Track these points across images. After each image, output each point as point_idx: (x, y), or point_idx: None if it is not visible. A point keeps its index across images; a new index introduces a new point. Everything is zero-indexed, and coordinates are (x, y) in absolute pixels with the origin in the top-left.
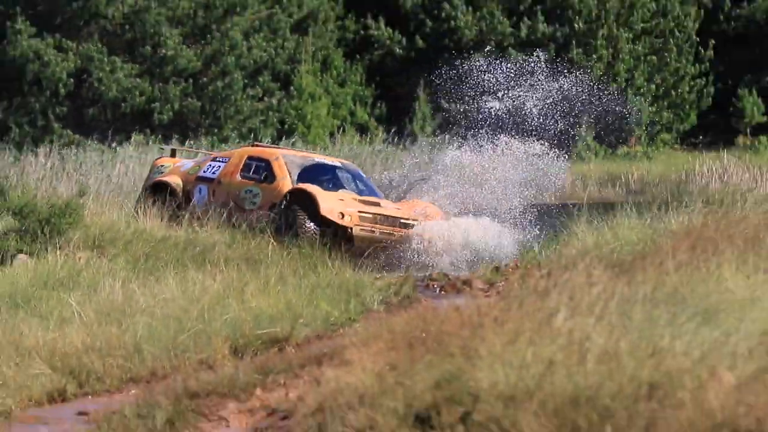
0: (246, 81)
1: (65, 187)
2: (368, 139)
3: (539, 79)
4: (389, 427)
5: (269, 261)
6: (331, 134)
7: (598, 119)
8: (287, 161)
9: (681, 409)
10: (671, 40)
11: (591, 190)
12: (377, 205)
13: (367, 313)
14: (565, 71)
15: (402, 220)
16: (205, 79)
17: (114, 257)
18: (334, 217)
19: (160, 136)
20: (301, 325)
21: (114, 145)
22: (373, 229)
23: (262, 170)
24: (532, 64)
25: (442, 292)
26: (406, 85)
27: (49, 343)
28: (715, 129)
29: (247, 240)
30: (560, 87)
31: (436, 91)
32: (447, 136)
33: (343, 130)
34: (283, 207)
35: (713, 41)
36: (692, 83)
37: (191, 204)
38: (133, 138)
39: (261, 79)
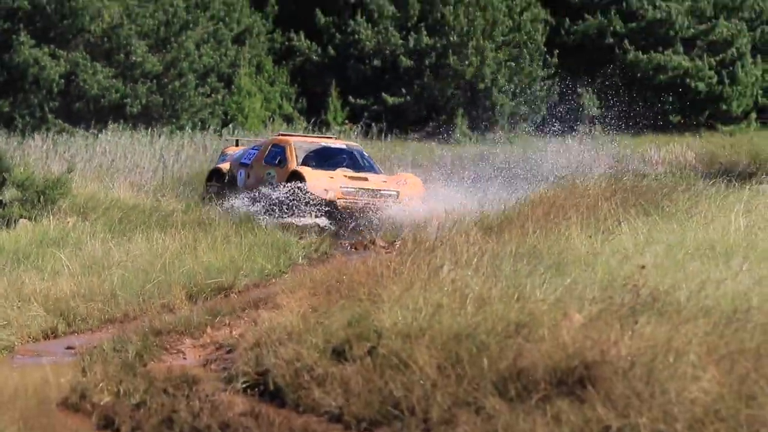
0: (197, 81)
1: (57, 166)
2: (293, 127)
3: (424, 81)
4: (312, 359)
5: (217, 225)
6: (264, 123)
7: (470, 112)
8: (296, 147)
9: (541, 344)
10: (525, 50)
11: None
12: (365, 180)
13: (293, 266)
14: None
15: (382, 191)
16: (165, 79)
17: (95, 221)
18: (319, 193)
19: (131, 124)
20: (242, 276)
21: (95, 132)
22: (355, 200)
23: (278, 155)
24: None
25: (353, 249)
26: (322, 85)
27: (44, 291)
28: (561, 119)
29: (198, 208)
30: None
31: (345, 89)
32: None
33: (273, 120)
34: (284, 185)
35: (557, 50)
36: (542, 83)
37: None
38: (110, 126)
39: (209, 80)
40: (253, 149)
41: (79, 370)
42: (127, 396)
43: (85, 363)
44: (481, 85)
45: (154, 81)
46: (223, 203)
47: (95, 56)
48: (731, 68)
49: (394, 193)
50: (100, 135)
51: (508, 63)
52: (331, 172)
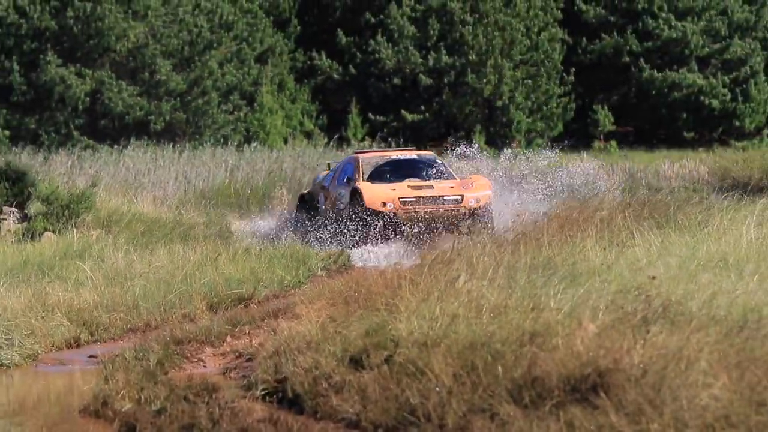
0: (220, 99)
1: (82, 181)
2: (314, 143)
3: (443, 98)
4: (330, 367)
5: (237, 237)
6: (285, 140)
7: (488, 128)
8: (364, 163)
9: (555, 352)
10: (542, 68)
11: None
12: (429, 187)
13: (312, 277)
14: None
15: (445, 197)
16: (189, 97)
17: (118, 234)
18: (377, 207)
19: (154, 141)
20: (262, 286)
21: (120, 148)
22: (416, 209)
23: (348, 174)
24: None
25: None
26: (342, 102)
27: (67, 301)
28: (577, 135)
29: (220, 220)
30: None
31: (365, 107)
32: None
33: (294, 137)
34: (348, 204)
35: (573, 69)
36: (558, 101)
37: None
38: (134, 143)
39: (232, 97)
40: (332, 171)
41: (101, 378)
42: (148, 403)
43: (107, 371)
44: (499, 103)
45: (178, 99)
46: (306, 234)
47: (120, 75)
48: (744, 86)
49: (459, 197)
50: (124, 151)
51: (526, 81)
52: (394, 185)
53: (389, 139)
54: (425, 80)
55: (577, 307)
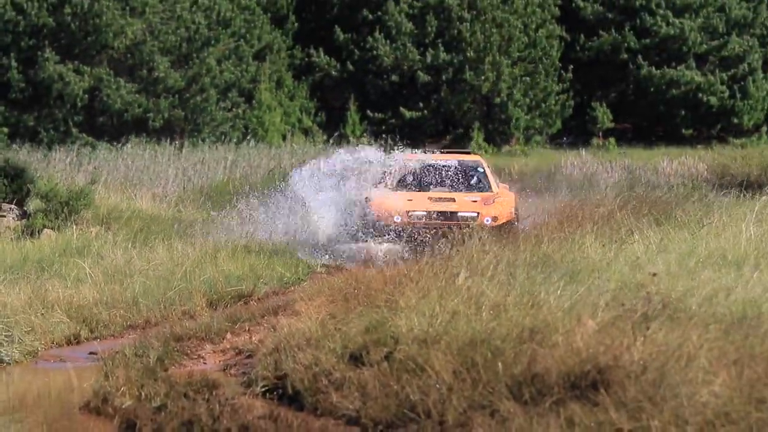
0: (218, 96)
1: (81, 178)
2: (312, 140)
3: (441, 95)
4: (330, 363)
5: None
6: (284, 137)
7: (486, 125)
8: (399, 167)
9: (555, 349)
10: (540, 65)
11: None
12: (450, 201)
13: (312, 274)
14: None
15: (459, 214)
16: (187, 94)
17: (117, 231)
18: (384, 218)
19: (153, 138)
20: (262, 283)
21: (119, 145)
22: (424, 225)
23: (383, 178)
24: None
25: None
26: (340, 99)
27: (67, 298)
28: (575, 132)
29: (219, 218)
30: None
31: (363, 104)
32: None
33: (293, 134)
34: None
35: (572, 66)
36: (557, 98)
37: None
38: (132, 140)
39: (230, 95)
40: None
41: (101, 374)
42: (148, 400)
43: (107, 368)
44: (497, 100)
45: (177, 96)
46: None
47: (118, 72)
48: (743, 83)
49: (474, 214)
50: (123, 148)
51: (524, 78)
52: (415, 194)
53: (386, 137)
54: (423, 77)
55: (576, 303)
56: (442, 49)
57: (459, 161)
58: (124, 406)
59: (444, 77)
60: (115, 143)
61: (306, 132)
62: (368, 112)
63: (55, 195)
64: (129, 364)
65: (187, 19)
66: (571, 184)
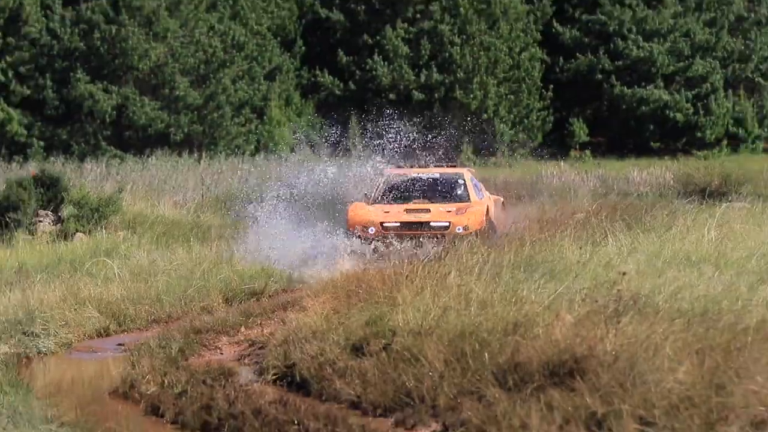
0: (233, 113)
1: (109, 186)
2: (318, 153)
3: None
4: (334, 354)
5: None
6: (292, 150)
7: (475, 139)
8: (385, 179)
9: (536, 340)
10: (523, 85)
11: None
12: (425, 212)
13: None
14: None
15: (432, 224)
16: (205, 111)
17: (142, 234)
18: (358, 230)
19: (175, 150)
20: (272, 282)
21: (143, 157)
22: (398, 234)
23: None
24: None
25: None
26: (343, 115)
27: (97, 295)
28: (555, 145)
29: (234, 223)
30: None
31: (363, 119)
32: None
33: (301, 147)
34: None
35: (552, 85)
36: (538, 114)
37: None
38: (156, 152)
39: (243, 111)
40: None
41: (128, 363)
42: (170, 386)
43: (133, 358)
44: (485, 116)
45: (195, 112)
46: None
47: (143, 91)
48: (705, 101)
49: (446, 224)
50: (147, 160)
51: (509, 96)
52: (393, 206)
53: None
54: (418, 95)
55: (555, 300)
56: (434, 70)
57: (441, 174)
58: (148, 392)
59: (436, 95)
60: (140, 155)
61: (312, 145)
62: (368, 127)
63: (87, 202)
64: (153, 355)
65: (205, 43)
66: (551, 192)
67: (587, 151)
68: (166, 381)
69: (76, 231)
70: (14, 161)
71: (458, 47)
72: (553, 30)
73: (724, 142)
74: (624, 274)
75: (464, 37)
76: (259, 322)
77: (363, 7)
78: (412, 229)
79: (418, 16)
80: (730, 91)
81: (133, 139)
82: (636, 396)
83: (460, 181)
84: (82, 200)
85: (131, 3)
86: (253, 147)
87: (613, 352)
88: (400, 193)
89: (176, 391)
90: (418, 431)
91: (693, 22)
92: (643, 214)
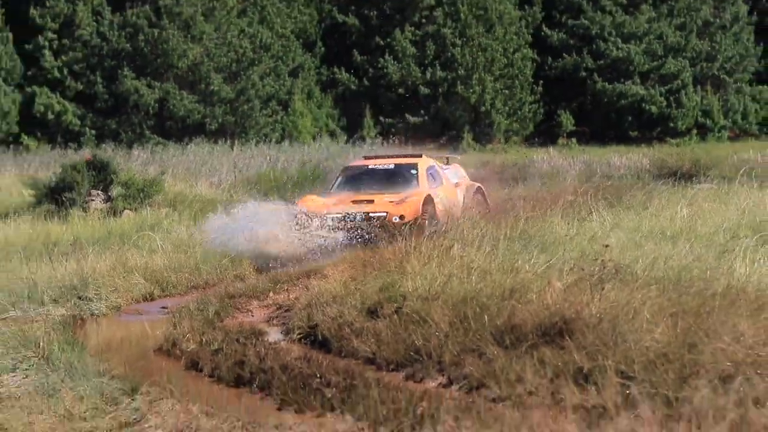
0: (261, 105)
1: (153, 170)
2: (336, 140)
3: (438, 104)
4: (351, 316)
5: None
6: (313, 137)
7: (474, 128)
8: (342, 171)
9: (530, 305)
10: (516, 81)
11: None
12: (370, 202)
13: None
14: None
15: (371, 214)
16: (237, 104)
17: (182, 211)
18: (304, 222)
19: (211, 139)
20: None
21: (183, 144)
22: (338, 226)
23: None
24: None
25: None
26: (358, 108)
27: (143, 264)
28: (545, 134)
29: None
30: (451, 110)
31: (376, 111)
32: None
33: (320, 135)
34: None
35: (541, 81)
36: (530, 107)
37: None
38: (194, 140)
39: (270, 104)
40: None
41: (170, 324)
42: (208, 344)
43: (175, 319)
44: (483, 108)
45: (228, 105)
46: None
47: (182, 86)
48: (677, 95)
49: (384, 214)
50: (186, 147)
51: (503, 91)
52: (343, 197)
53: (394, 138)
54: (424, 90)
55: (547, 269)
56: (438, 68)
57: (396, 164)
58: (188, 350)
59: (440, 90)
60: (180, 143)
61: (331, 134)
62: (380, 118)
63: (133, 183)
64: (192, 317)
65: (236, 44)
66: (541, 175)
67: (573, 139)
68: (203, 340)
69: (124, 208)
70: (69, 148)
71: (459, 48)
72: (543, 33)
73: (694, 131)
74: (607, 246)
75: (464, 39)
76: (285, 288)
77: (375, 12)
78: (354, 220)
79: (424, 20)
80: (698, 87)
81: (173, 129)
82: (618, 353)
83: (413, 171)
84: (129, 181)
85: (172, 9)
86: (278, 135)
87: (598, 315)
88: (355, 184)
89: (213, 349)
90: (426, 384)
91: (665, 26)
92: (623, 194)
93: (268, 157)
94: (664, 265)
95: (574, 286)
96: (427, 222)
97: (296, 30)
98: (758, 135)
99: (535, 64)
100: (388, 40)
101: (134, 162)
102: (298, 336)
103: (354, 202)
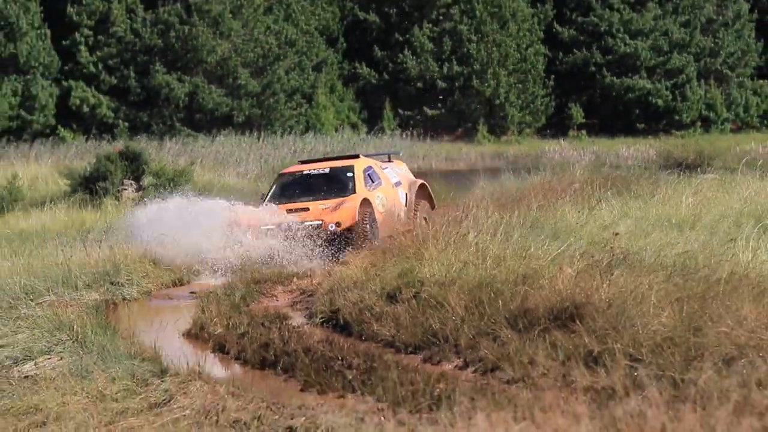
0: (286, 99)
1: (183, 160)
2: (357, 132)
3: (455, 98)
4: (371, 301)
5: None
6: (336, 129)
7: (489, 120)
8: (278, 177)
9: (542, 290)
10: (529, 75)
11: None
12: (305, 210)
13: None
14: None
15: (305, 223)
16: (263, 97)
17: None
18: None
19: (238, 131)
20: None
21: (211, 136)
22: (274, 236)
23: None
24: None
25: None
26: (378, 101)
27: None
28: (556, 126)
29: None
30: (467, 103)
31: (396, 104)
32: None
33: (343, 127)
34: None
35: (553, 76)
36: (542, 100)
37: None
38: (222, 132)
39: (295, 97)
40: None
41: (199, 309)
42: (234, 328)
43: (203, 304)
44: (497, 101)
45: (254, 98)
46: None
47: (211, 80)
48: (682, 89)
49: (318, 222)
50: (215, 138)
51: (517, 85)
52: (279, 206)
53: (412, 129)
54: (441, 84)
55: (558, 255)
56: (455, 63)
57: (332, 168)
58: (216, 333)
59: (456, 84)
60: (208, 134)
61: (353, 126)
62: (399, 110)
63: (164, 173)
64: (220, 301)
65: (262, 40)
66: (553, 165)
67: (583, 131)
68: (230, 323)
69: (155, 197)
70: (103, 139)
71: (475, 44)
72: (554, 30)
73: (698, 123)
74: (616, 234)
75: (480, 35)
76: (308, 273)
77: (395, 10)
78: (289, 231)
79: (441, 17)
80: (702, 81)
81: (202, 121)
82: (626, 337)
83: (349, 174)
84: (159, 171)
85: (201, 7)
86: (302, 127)
87: (607, 300)
88: (291, 192)
89: (239, 332)
90: (443, 366)
91: (671, 23)
92: (631, 184)
93: (292, 148)
94: (671, 252)
95: (585, 272)
96: (368, 226)
97: (320, 27)
98: (759, 127)
99: (546, 59)
100: (407, 36)
101: (165, 153)
102: (321, 320)
103: (289, 211)
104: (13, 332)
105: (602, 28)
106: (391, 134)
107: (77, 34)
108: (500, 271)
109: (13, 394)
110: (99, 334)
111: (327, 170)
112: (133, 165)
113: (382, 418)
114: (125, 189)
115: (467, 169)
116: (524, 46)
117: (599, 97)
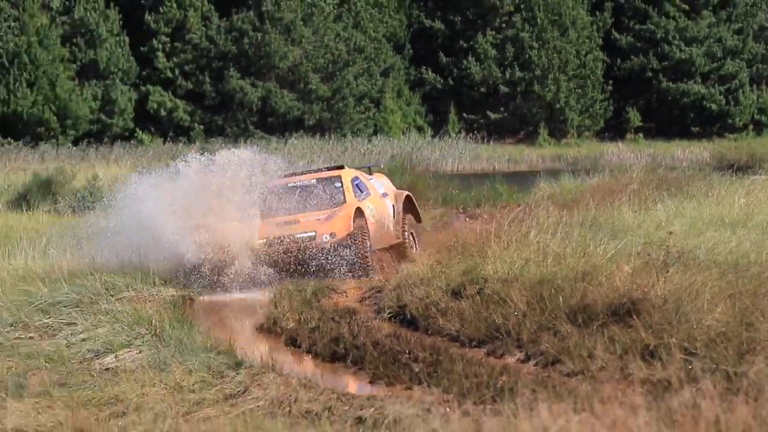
0: (355, 103)
1: None
2: (423, 135)
3: (517, 102)
4: (437, 296)
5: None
6: (403, 132)
7: (549, 124)
8: (268, 188)
9: (600, 287)
10: (588, 80)
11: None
12: (295, 223)
13: (423, 232)
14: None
15: (298, 235)
16: (333, 101)
17: None
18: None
19: (309, 134)
20: None
21: (284, 138)
22: (270, 251)
23: None
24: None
25: (467, 219)
26: (444, 105)
27: None
28: (614, 130)
29: None
30: (529, 107)
31: (460, 108)
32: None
33: (409, 130)
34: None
35: (611, 81)
36: (601, 104)
37: None
38: (293, 135)
39: (363, 102)
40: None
41: (272, 304)
42: (306, 322)
43: (276, 299)
44: (557, 106)
45: (325, 102)
46: None
47: (283, 85)
48: (735, 94)
49: (312, 234)
50: (287, 141)
51: (576, 90)
52: (267, 220)
53: (476, 133)
54: (503, 89)
55: (616, 254)
56: (517, 68)
57: (318, 179)
58: (288, 327)
59: (518, 89)
60: (281, 137)
61: (419, 129)
62: (464, 114)
63: None
64: (292, 297)
65: (332, 47)
66: (610, 167)
67: (640, 134)
68: (302, 318)
69: None
70: (180, 142)
71: (536, 50)
72: (612, 36)
73: (750, 126)
74: (671, 233)
75: (541, 42)
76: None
77: (459, 18)
78: (281, 245)
79: (504, 25)
80: (754, 86)
81: (275, 124)
82: (681, 331)
83: (337, 184)
84: None
85: (274, 15)
86: (371, 130)
87: (663, 296)
88: (277, 205)
89: (310, 327)
90: (506, 359)
91: (724, 30)
92: (685, 185)
93: (361, 150)
94: (724, 250)
95: (641, 270)
96: (364, 237)
97: (387, 34)
98: None
99: (605, 65)
100: (471, 43)
101: None
102: (389, 315)
103: (277, 225)
104: (95, 326)
105: (658, 36)
106: (456, 137)
107: (155, 41)
108: (560, 269)
109: (95, 386)
110: (176, 328)
111: (313, 181)
112: None
113: (448, 409)
114: None
115: (529, 170)
116: (584, 52)
117: (655, 101)
